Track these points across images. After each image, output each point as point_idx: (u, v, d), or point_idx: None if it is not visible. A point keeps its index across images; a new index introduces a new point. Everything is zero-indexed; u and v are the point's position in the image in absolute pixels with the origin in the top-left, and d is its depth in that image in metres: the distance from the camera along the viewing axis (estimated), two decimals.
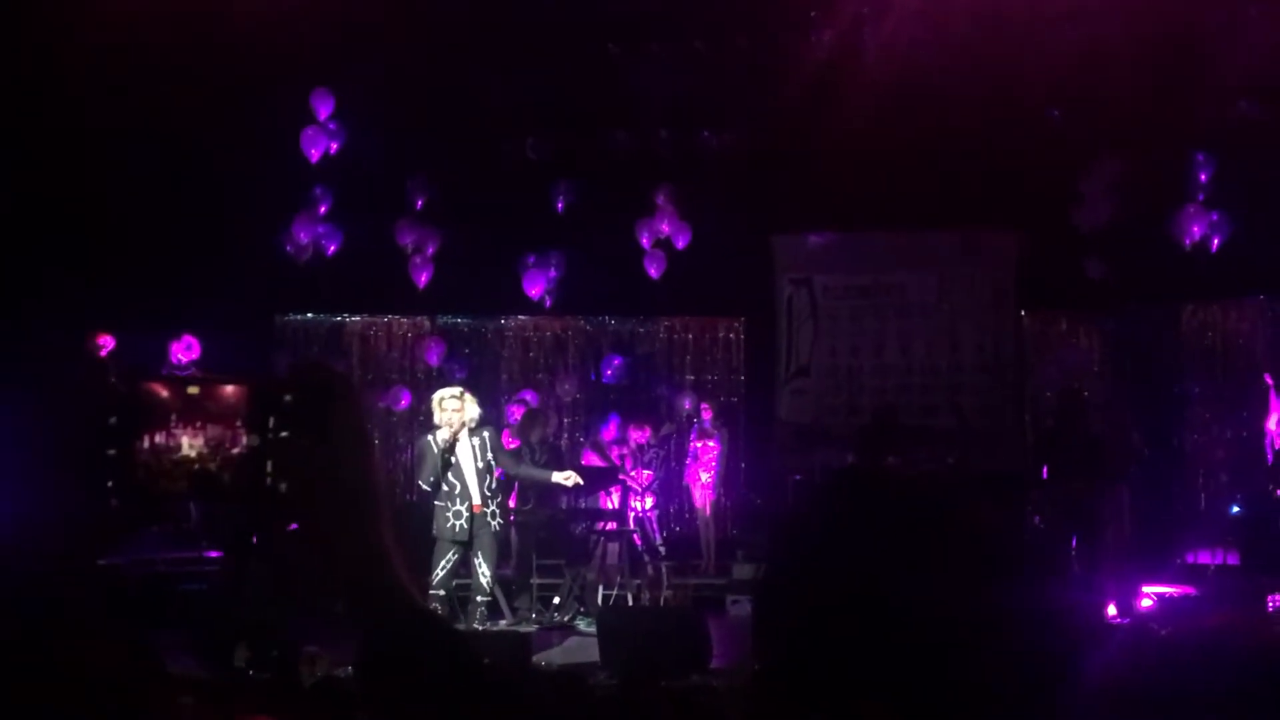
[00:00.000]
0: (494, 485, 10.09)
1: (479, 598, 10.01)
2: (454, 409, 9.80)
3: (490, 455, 10.02)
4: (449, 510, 9.81)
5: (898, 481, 1.53)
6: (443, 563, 9.78)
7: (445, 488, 9.79)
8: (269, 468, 1.74)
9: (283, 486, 1.75)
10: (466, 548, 9.88)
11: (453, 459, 9.77)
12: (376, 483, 1.75)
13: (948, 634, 1.36)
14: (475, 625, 9.84)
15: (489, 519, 9.97)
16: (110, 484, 1.72)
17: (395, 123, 14.65)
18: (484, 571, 9.95)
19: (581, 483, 11.09)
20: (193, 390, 1.76)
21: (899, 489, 1.51)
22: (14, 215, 12.83)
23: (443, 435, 9.76)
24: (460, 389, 10.21)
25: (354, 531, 1.75)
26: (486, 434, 10.12)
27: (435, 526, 9.89)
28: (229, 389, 1.75)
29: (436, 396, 10.10)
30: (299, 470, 1.73)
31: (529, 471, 10.97)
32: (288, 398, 1.72)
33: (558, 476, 10.80)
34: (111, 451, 1.72)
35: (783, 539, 1.53)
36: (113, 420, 1.73)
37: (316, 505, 1.69)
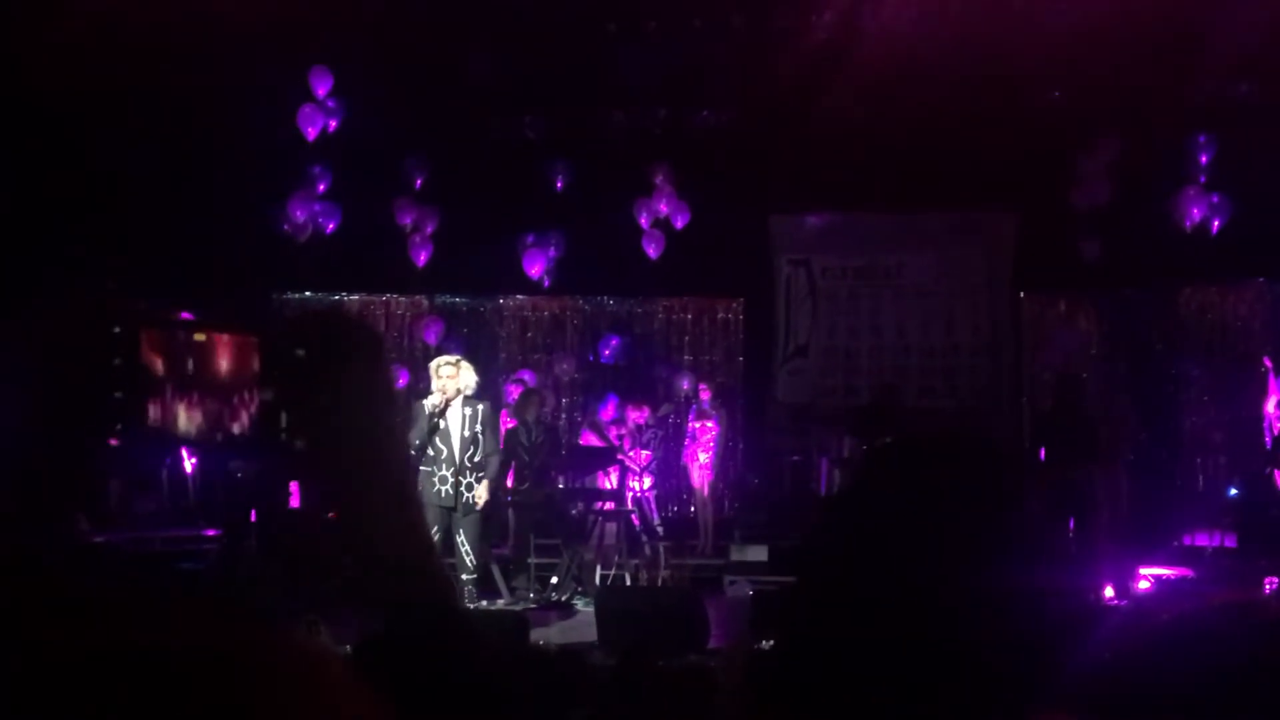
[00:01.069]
0: (476, 457, 10.03)
1: (464, 576, 9.97)
2: (448, 375, 9.85)
3: (479, 427, 10.01)
4: (434, 475, 9.82)
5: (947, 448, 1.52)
6: None
7: (431, 452, 9.79)
8: (284, 422, 1.62)
9: (299, 443, 1.63)
10: (448, 519, 9.83)
11: (441, 424, 9.77)
12: (402, 449, 1.67)
13: (945, 612, 1.36)
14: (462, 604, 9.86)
15: (464, 490, 9.94)
16: (119, 427, 1.65)
17: (393, 102, 14.63)
18: (467, 549, 9.92)
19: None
20: (199, 338, 1.69)
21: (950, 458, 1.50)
22: (10, 195, 12.81)
23: (433, 400, 9.77)
24: (458, 357, 10.29)
25: (383, 501, 1.64)
26: (481, 406, 10.14)
27: (420, 491, 9.86)
28: (236, 340, 1.69)
29: (434, 363, 10.21)
30: (317, 429, 1.61)
31: (489, 461, 10.55)
32: (300, 352, 1.61)
33: (481, 490, 10.31)
34: (119, 395, 1.65)
35: (836, 516, 1.51)
36: (117, 361, 1.67)
37: (340, 470, 1.62)
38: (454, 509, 9.81)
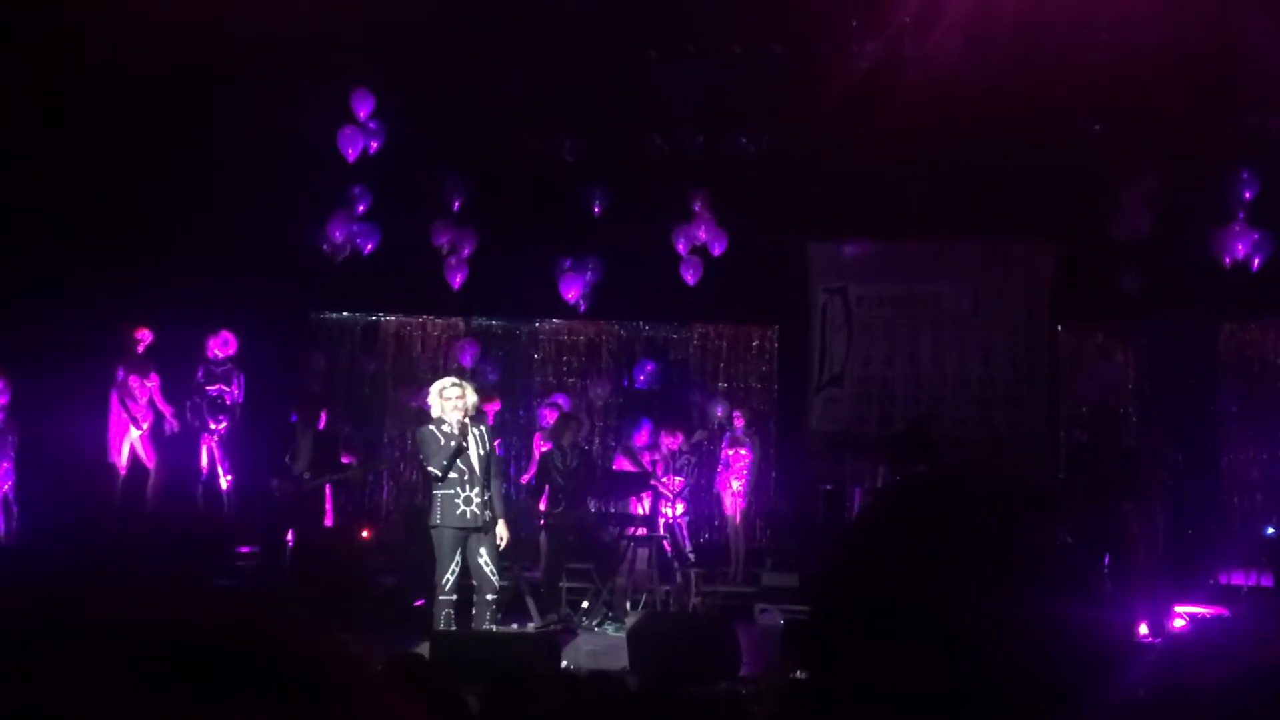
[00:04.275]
0: (490, 473, 9.96)
1: (489, 595, 9.76)
2: (456, 396, 9.71)
3: (489, 445, 9.97)
4: (459, 497, 9.62)
5: (975, 485, 1.52)
6: (450, 566, 9.58)
7: (454, 474, 9.67)
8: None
9: None
10: (467, 543, 9.68)
11: (465, 444, 9.70)
12: None
13: (980, 645, 1.36)
14: (489, 625, 9.68)
15: (483, 508, 9.87)
16: None
17: (432, 123, 14.71)
18: (491, 568, 9.74)
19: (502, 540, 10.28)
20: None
21: (977, 495, 1.50)
22: (54, 209, 12.94)
23: (455, 418, 9.65)
24: (456, 378, 10.20)
25: None
26: (484, 425, 10.13)
27: (440, 515, 9.66)
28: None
29: (436, 387, 9.94)
30: None
31: (498, 486, 10.37)
32: None
33: (503, 530, 10.03)
34: None
35: (854, 547, 1.51)
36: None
37: None
38: (480, 529, 9.69)
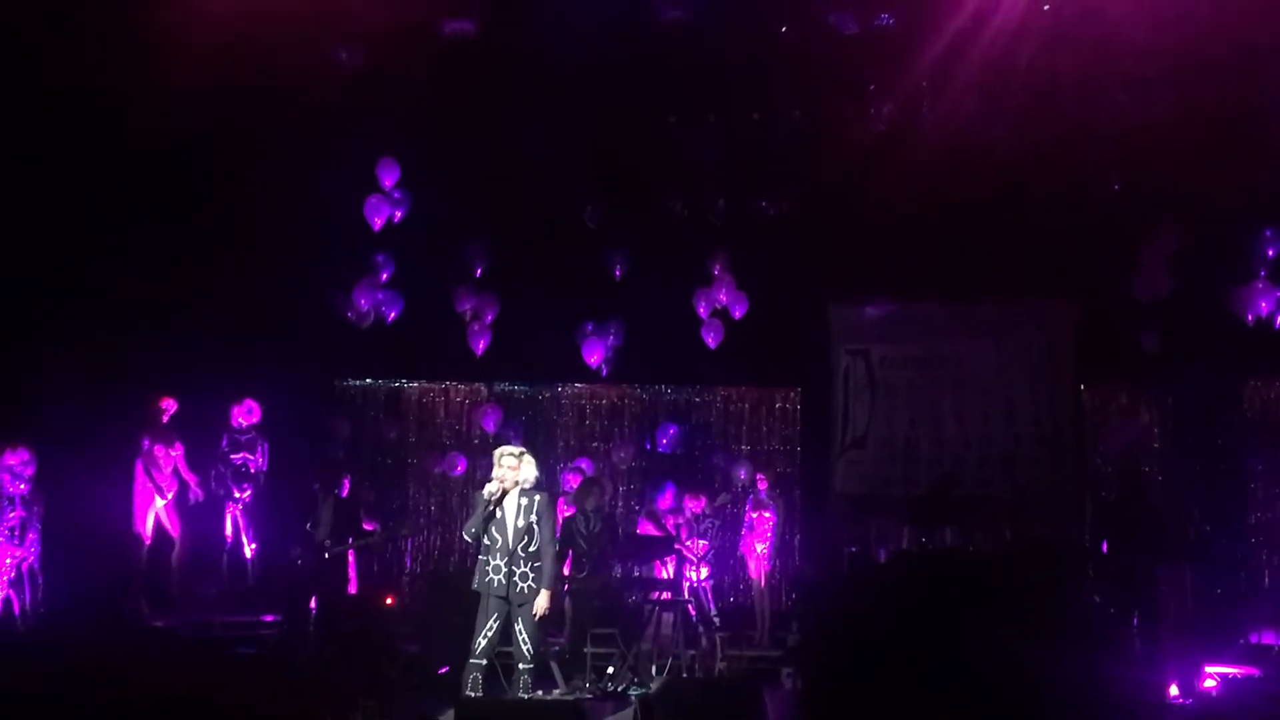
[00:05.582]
0: (531, 547, 9.93)
1: (521, 665, 9.91)
2: (509, 465, 9.83)
3: (534, 518, 9.93)
4: (489, 564, 9.76)
5: (952, 564, 1.54)
6: (485, 630, 9.66)
7: (487, 541, 9.73)
8: None
9: None
10: (507, 609, 9.75)
11: (498, 513, 9.74)
12: None
13: (1010, 705, 1.36)
14: (520, 694, 9.77)
15: (518, 580, 9.86)
16: None
17: (454, 190, 14.81)
18: (525, 639, 9.84)
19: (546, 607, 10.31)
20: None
21: (954, 572, 1.51)
22: (79, 280, 13.05)
23: (490, 488, 9.74)
24: (522, 450, 10.22)
25: None
26: (539, 498, 10.00)
27: (476, 580, 9.86)
28: None
29: (499, 451, 10.14)
30: None
31: (546, 559, 10.24)
32: None
33: (540, 607, 9.99)
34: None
35: (839, 623, 1.52)
36: None
37: None
38: (506, 598, 9.74)
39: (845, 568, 14.46)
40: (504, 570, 9.67)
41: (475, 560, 10.02)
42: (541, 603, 9.90)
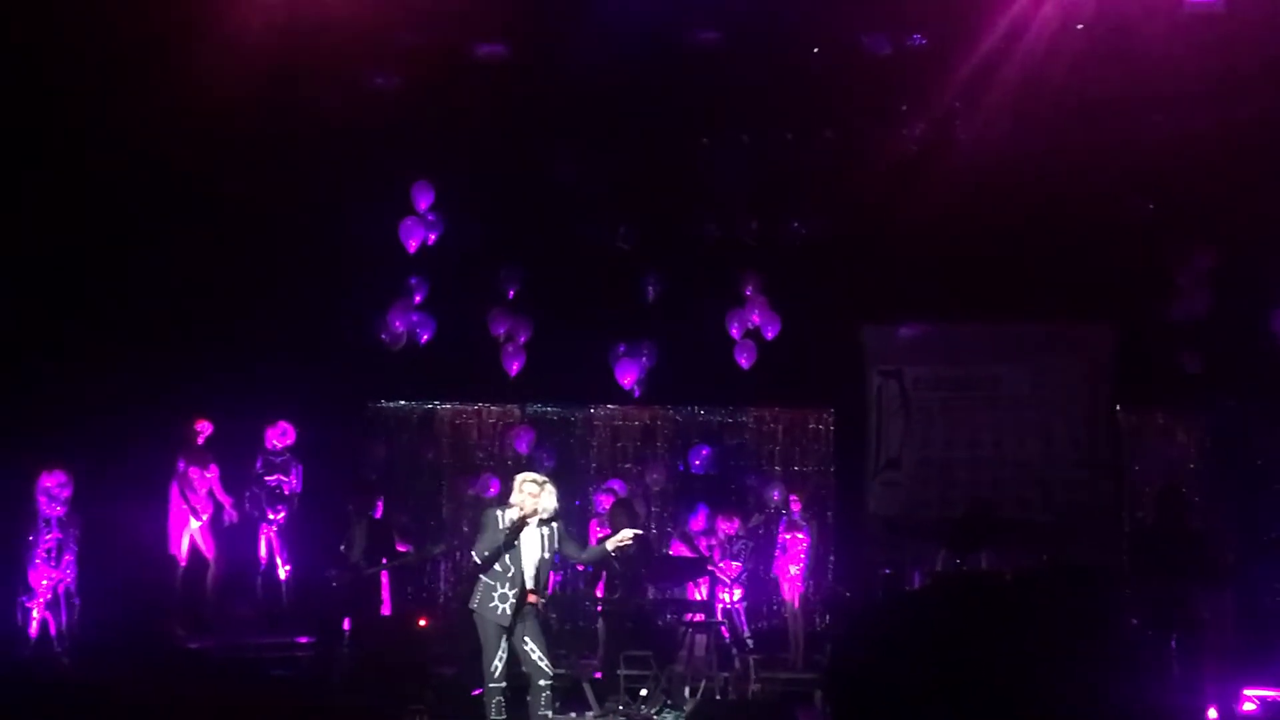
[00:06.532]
0: (545, 578, 9.84)
1: (541, 681, 9.54)
2: (531, 494, 9.55)
3: (557, 546, 9.77)
4: (495, 591, 9.47)
5: (989, 588, 1.52)
6: (497, 655, 9.41)
7: (499, 568, 9.48)
8: None
9: None
10: (507, 634, 9.49)
11: (516, 542, 9.57)
12: None
13: None
14: (544, 712, 9.49)
15: (538, 608, 9.73)
16: None
17: (487, 213, 14.86)
18: (539, 655, 9.52)
19: (632, 537, 10.45)
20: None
21: (990, 596, 1.50)
22: (113, 303, 13.15)
23: (512, 515, 9.52)
24: (545, 478, 9.91)
25: None
26: (556, 526, 9.80)
27: (476, 601, 9.54)
28: None
29: (520, 477, 9.83)
30: None
31: (591, 553, 10.58)
32: None
33: (611, 544, 10.29)
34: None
35: (870, 646, 1.51)
36: None
37: None
38: (510, 628, 9.50)
39: (880, 590, 14.38)
40: (510, 601, 9.47)
41: (476, 580, 9.69)
42: (616, 540, 10.08)
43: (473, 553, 9.67)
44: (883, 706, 1.31)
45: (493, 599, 9.48)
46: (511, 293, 15.25)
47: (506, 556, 9.49)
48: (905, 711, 1.28)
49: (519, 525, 9.52)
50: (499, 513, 9.63)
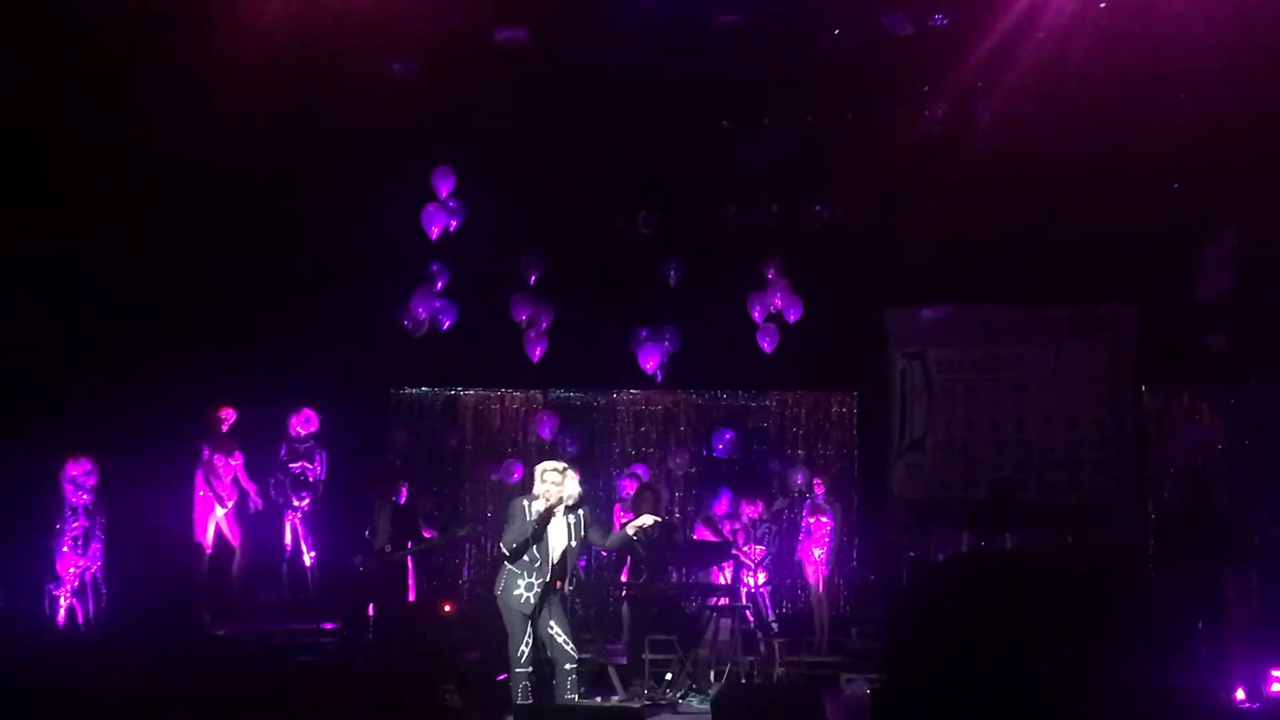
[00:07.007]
0: (576, 565, 9.84)
1: (566, 665, 9.54)
2: (554, 481, 9.54)
3: (584, 533, 9.75)
4: (521, 580, 9.46)
5: (1014, 565, 1.52)
6: (523, 640, 9.41)
7: (527, 558, 9.47)
8: None
9: None
10: (532, 620, 9.49)
11: (544, 533, 9.57)
12: None
13: (1075, 711, 1.34)
14: (569, 695, 9.49)
15: (564, 593, 9.76)
16: None
17: (510, 199, 14.86)
18: (564, 638, 9.54)
19: (651, 523, 10.54)
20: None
21: (1016, 572, 1.49)
22: (138, 291, 13.20)
23: (539, 506, 9.50)
24: (565, 465, 9.90)
25: None
26: (582, 512, 9.80)
27: (501, 588, 9.56)
28: None
29: (540, 467, 9.81)
30: None
31: (615, 538, 10.52)
32: None
33: (632, 527, 10.28)
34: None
35: (906, 624, 1.51)
36: None
37: None
38: (534, 616, 9.52)
39: (904, 572, 14.37)
40: (536, 590, 9.48)
41: (501, 566, 9.70)
42: (638, 523, 10.09)
43: (501, 544, 9.66)
44: (935, 683, 1.31)
45: (518, 587, 9.48)
46: (533, 278, 15.24)
47: (534, 548, 9.49)
48: (953, 689, 1.28)
49: (547, 515, 9.52)
50: (526, 503, 9.60)
